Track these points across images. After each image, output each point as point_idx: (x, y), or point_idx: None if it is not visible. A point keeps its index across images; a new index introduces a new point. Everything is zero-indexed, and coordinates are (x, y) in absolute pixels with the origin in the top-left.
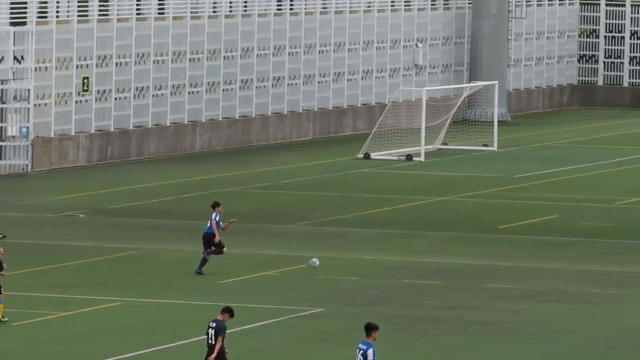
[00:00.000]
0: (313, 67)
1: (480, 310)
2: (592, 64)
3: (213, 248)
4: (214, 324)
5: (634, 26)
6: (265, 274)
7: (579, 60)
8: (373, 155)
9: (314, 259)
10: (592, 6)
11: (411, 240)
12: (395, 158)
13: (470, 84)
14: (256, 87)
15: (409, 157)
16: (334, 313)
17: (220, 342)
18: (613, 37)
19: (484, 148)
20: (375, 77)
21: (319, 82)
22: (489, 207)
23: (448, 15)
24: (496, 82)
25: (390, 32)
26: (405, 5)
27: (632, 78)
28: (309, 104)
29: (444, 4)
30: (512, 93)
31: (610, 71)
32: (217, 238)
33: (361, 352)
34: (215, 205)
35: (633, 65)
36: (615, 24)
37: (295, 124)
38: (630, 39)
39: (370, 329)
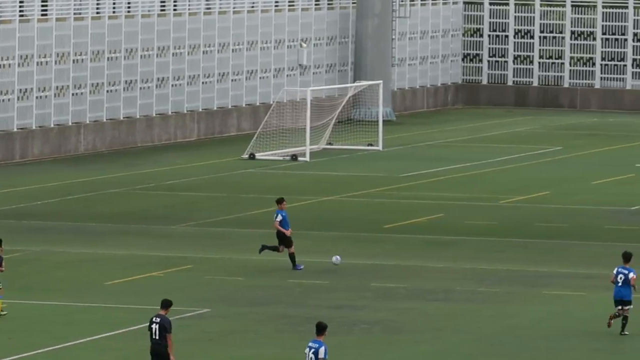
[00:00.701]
0: (197, 67)
1: (366, 310)
2: (476, 62)
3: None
4: (158, 319)
5: (518, 25)
6: (150, 275)
7: (463, 59)
8: (258, 155)
9: (336, 257)
10: (475, 5)
11: (297, 240)
12: (280, 158)
13: (355, 84)
14: (140, 88)
15: (294, 157)
16: (220, 314)
17: (171, 338)
18: (497, 35)
19: (369, 148)
20: (260, 78)
21: (203, 83)
22: (374, 206)
23: (332, 15)
24: (380, 81)
25: (274, 32)
26: (289, 6)
27: (517, 77)
28: (193, 104)
29: (328, 4)
30: (396, 92)
31: (495, 70)
32: (288, 232)
33: (312, 350)
34: (279, 201)
35: (517, 64)
36: (499, 22)
37: (180, 124)
38: (514, 37)
39: (322, 328)
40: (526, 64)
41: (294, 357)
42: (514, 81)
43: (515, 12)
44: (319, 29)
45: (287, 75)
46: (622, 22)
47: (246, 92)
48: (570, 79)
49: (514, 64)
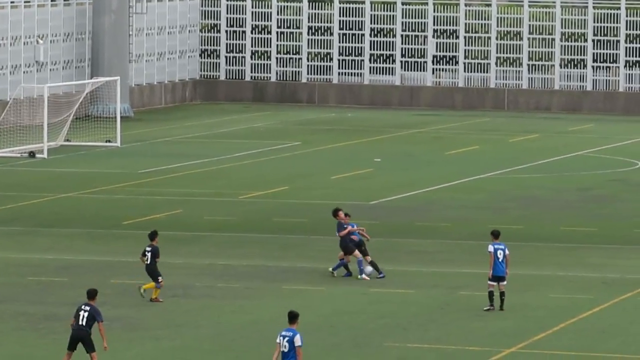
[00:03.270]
0: None
1: (105, 306)
2: (214, 58)
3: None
4: (88, 307)
5: (255, 20)
6: None
7: (200, 55)
8: None
9: (368, 267)
10: (212, 1)
11: (35, 237)
12: (18, 155)
13: (92, 80)
14: None
15: (31, 154)
16: None
17: (102, 326)
18: (234, 31)
19: (107, 144)
20: None
21: None
22: (113, 203)
23: (69, 11)
24: (118, 77)
25: (10, 29)
26: (25, 3)
27: (254, 72)
28: None
29: (64, 1)
30: (134, 88)
31: (233, 65)
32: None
33: (286, 338)
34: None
35: (255, 59)
36: (236, 18)
37: None
38: (252, 33)
39: (295, 316)
40: (264, 60)
41: (33, 354)
42: (251, 77)
43: (252, 7)
44: (56, 25)
45: (24, 72)
46: (360, 17)
47: None
48: (308, 74)
49: (251, 59)
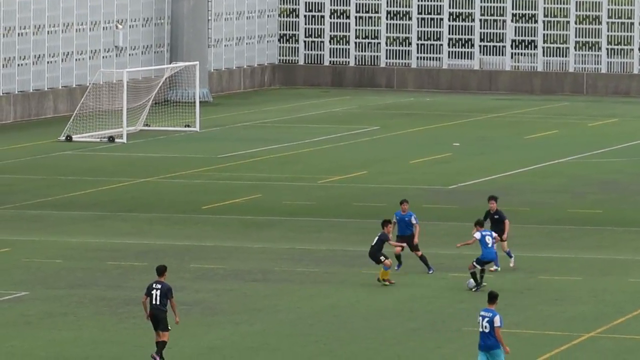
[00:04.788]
0: (12, 50)
1: (185, 291)
2: (292, 43)
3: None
4: (159, 286)
5: (334, 5)
6: None
7: (279, 40)
8: (75, 137)
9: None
10: None
11: (115, 222)
12: (98, 140)
13: (171, 65)
14: None
15: (111, 139)
16: (38, 296)
17: (174, 302)
18: (313, 16)
19: (186, 129)
20: (76, 59)
21: (19, 65)
22: (192, 187)
23: None
24: (197, 62)
25: (89, 14)
26: None
27: (333, 57)
28: (9, 87)
29: None
30: (213, 73)
31: (311, 50)
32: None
33: (486, 319)
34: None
35: (333, 44)
36: (315, 2)
37: None
38: (330, 17)
39: (494, 296)
40: (342, 44)
41: (113, 339)
42: (330, 61)
43: None
44: (135, 10)
45: (104, 57)
46: (438, 1)
47: (62, 74)
48: (386, 58)
49: (330, 44)
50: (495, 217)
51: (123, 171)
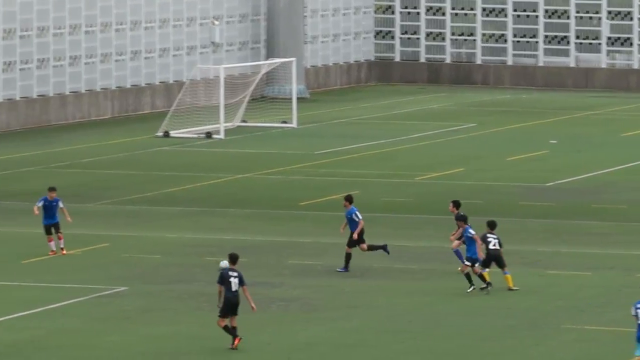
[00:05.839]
0: (110, 45)
1: (283, 287)
2: (388, 39)
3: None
4: (235, 273)
5: (429, 2)
6: (67, 253)
7: (375, 36)
8: (172, 133)
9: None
10: None
11: (212, 218)
12: (195, 136)
13: (268, 61)
14: (53, 66)
15: (208, 135)
16: (137, 291)
17: (247, 289)
18: (409, 13)
19: (283, 125)
20: (173, 55)
21: (116, 61)
22: (290, 183)
23: None
24: (293, 59)
25: (186, 10)
26: None
27: (429, 54)
28: (106, 82)
29: None
30: (309, 70)
31: (407, 47)
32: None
33: None
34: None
35: (429, 41)
36: None
37: (94, 102)
38: (426, 14)
39: None
40: (438, 41)
41: (212, 334)
42: (426, 58)
43: None
44: (231, 7)
45: (200, 53)
46: None
47: (159, 69)
48: (482, 55)
49: (426, 41)
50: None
51: (220, 167)
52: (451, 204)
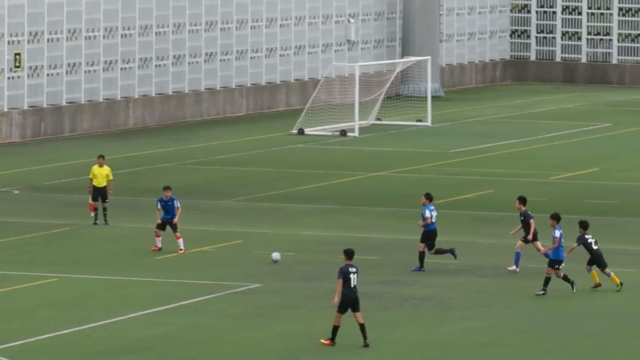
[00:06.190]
0: (245, 42)
1: (416, 286)
2: (524, 39)
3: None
4: (354, 269)
5: (566, 1)
6: (201, 250)
7: (511, 35)
8: (307, 130)
9: (276, 254)
10: None
11: (346, 215)
12: (329, 133)
13: (403, 60)
14: (189, 62)
15: (343, 133)
16: (270, 288)
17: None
18: (545, 12)
19: (418, 123)
20: (308, 53)
21: (251, 58)
22: (424, 182)
23: None
24: (429, 57)
25: (322, 8)
26: None
27: (565, 53)
28: (241, 79)
29: None
30: (444, 68)
31: (543, 46)
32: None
33: None
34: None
35: (565, 40)
36: None
37: (229, 99)
38: (562, 13)
39: None
40: (574, 40)
41: (344, 332)
42: (562, 57)
43: None
44: (367, 5)
45: (335, 51)
46: None
47: (294, 67)
48: (618, 55)
49: (562, 40)
50: (521, 218)
51: (354, 165)
52: (517, 201)
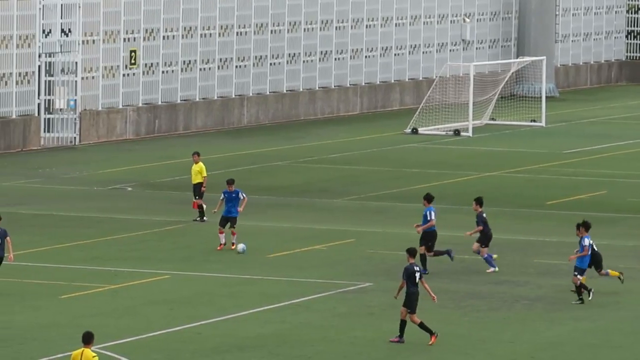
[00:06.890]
0: (360, 41)
1: (528, 286)
2: (639, 40)
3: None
4: (418, 268)
5: None
6: (313, 248)
7: (626, 36)
8: (421, 130)
9: (242, 245)
10: None
11: (459, 215)
12: (443, 133)
13: (518, 60)
14: (303, 61)
15: (456, 132)
16: (381, 287)
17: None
18: None
19: (532, 124)
20: (423, 52)
21: (366, 57)
22: (537, 182)
23: None
24: (544, 57)
25: (437, 7)
26: None
27: None
28: (356, 78)
29: None
30: (559, 69)
31: None
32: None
33: None
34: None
35: None
36: None
37: (343, 98)
38: None
39: None
40: None
41: (456, 332)
42: None
43: None
44: (483, 4)
45: (450, 50)
46: None
47: (409, 66)
48: None
49: None
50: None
51: (468, 165)
52: (474, 203)
